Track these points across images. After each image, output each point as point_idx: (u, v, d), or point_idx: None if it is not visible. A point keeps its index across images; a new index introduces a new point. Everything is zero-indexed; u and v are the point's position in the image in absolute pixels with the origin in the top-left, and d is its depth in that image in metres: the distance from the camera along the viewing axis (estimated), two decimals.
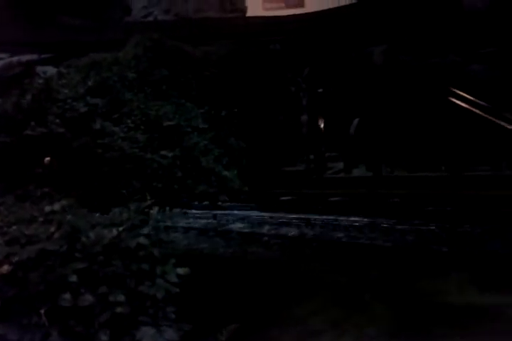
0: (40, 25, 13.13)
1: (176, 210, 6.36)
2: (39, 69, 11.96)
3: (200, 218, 10.72)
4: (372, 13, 11.74)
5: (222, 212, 10.17)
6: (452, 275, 6.51)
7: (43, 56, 12.98)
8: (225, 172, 6.49)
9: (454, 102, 9.71)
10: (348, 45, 11.55)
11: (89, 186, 5.50)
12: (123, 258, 3.64)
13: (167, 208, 5.28)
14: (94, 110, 6.23)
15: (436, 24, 10.70)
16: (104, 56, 7.75)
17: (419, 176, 9.89)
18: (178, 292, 3.74)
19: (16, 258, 3.47)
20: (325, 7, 13.11)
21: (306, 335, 5.02)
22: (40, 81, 6.59)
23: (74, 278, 3.41)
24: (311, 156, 12.20)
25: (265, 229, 9.67)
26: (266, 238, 9.08)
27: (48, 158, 5.75)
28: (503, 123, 9.15)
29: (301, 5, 14.91)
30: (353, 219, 8.99)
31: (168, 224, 5.59)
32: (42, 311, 3.37)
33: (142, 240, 3.78)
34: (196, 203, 7.39)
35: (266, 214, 10.07)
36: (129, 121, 6.34)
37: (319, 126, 11.84)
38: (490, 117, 9.24)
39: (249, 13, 15.19)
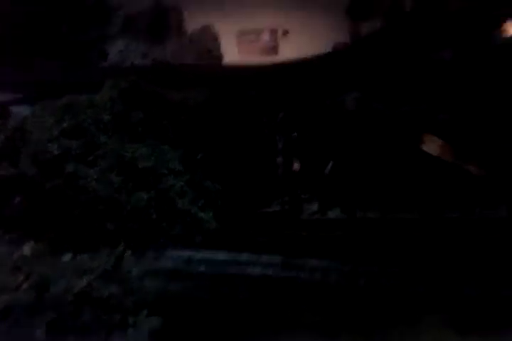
0: (15, 66, 13.19)
1: (150, 253, 6.25)
2: (13, 109, 11.90)
3: (173, 259, 10.49)
4: (346, 62, 12.17)
5: (196, 253, 9.99)
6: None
7: (17, 96, 12.94)
8: (201, 214, 6.48)
9: (424, 147, 10.00)
10: (321, 91, 11.91)
11: (60, 229, 5.37)
12: (94, 307, 3.51)
13: (141, 250, 5.19)
14: (67, 152, 6.19)
15: (406, 73, 11.16)
16: (79, 98, 7.77)
17: (393, 218, 10.00)
18: None
19: None
20: (299, 55, 13.57)
21: None
22: (14, 122, 6.55)
23: (39, 332, 3.25)
24: (287, 198, 12.26)
25: (236, 269, 9.50)
26: (237, 279, 8.91)
27: (18, 199, 5.64)
28: (471, 168, 9.43)
29: (276, 53, 15.41)
30: (322, 261, 8.95)
31: (142, 267, 5.46)
32: None
33: (114, 289, 3.66)
34: (170, 244, 7.28)
35: (238, 255, 9.92)
36: (103, 163, 6.31)
37: (294, 168, 11.99)
38: (459, 163, 9.53)
39: (226, 60, 15.61)
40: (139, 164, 6.31)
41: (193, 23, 16.34)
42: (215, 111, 10.40)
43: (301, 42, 15.84)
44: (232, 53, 16.21)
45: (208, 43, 16.35)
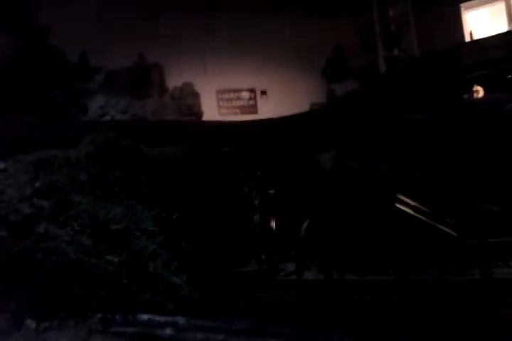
0: None
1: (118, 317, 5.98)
2: None
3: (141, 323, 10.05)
4: (323, 121, 12.48)
5: (166, 318, 9.60)
6: None
7: None
8: (174, 279, 6.28)
9: (399, 208, 10.08)
10: (298, 150, 12.09)
11: (26, 295, 5.16)
12: None
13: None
14: (39, 212, 6.06)
15: (381, 133, 11.47)
16: (54, 154, 7.71)
17: (368, 280, 9.87)
18: None
19: None
20: (277, 114, 13.91)
21: None
22: None
23: None
24: (263, 256, 12.02)
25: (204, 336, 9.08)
26: None
27: None
28: (446, 229, 9.48)
29: (255, 112, 15.79)
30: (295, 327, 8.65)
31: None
32: None
33: None
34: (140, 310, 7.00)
35: (206, 321, 9.53)
36: (75, 223, 6.18)
37: (271, 226, 11.87)
38: (433, 223, 9.59)
39: (205, 118, 15.88)
40: (111, 226, 6.19)
41: (174, 79, 16.77)
42: (192, 166, 10.41)
43: (279, 101, 16.33)
44: (212, 111, 16.55)
45: (189, 100, 16.69)
